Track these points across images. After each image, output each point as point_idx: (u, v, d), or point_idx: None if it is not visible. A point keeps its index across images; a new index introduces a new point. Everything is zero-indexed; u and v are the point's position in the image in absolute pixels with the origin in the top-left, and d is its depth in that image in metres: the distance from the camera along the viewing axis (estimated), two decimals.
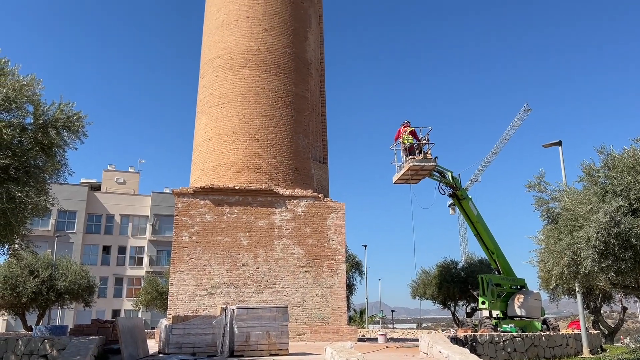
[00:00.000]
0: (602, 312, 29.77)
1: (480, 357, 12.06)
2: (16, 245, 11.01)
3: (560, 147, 19.52)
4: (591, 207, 11.10)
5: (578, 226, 11.34)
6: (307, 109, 22.80)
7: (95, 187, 55.76)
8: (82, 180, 55.35)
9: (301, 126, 22.24)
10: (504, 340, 15.59)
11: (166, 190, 54.43)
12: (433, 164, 20.56)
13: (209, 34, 23.80)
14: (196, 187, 20.27)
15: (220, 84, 22.22)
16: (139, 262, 52.08)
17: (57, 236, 37.45)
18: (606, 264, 11.05)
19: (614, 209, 10.70)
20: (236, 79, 22.00)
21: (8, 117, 9.24)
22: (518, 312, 21.40)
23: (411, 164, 20.34)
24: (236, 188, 20.21)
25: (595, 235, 10.71)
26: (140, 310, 43.01)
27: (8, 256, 14.82)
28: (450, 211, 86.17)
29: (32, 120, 9.68)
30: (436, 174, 21.74)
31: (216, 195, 20.18)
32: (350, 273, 35.72)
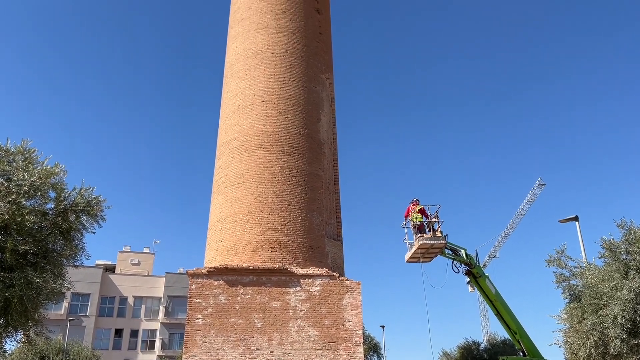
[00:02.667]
0: None
1: None
2: (30, 332, 10.86)
3: (577, 222, 19.30)
4: (615, 284, 10.82)
5: (602, 304, 11.01)
6: (320, 187, 23.07)
7: (110, 269, 55.66)
8: (97, 262, 55.33)
9: (315, 204, 22.40)
10: None
11: (180, 270, 54.18)
12: (443, 241, 20.38)
13: (225, 117, 24.70)
14: (210, 268, 20.17)
15: (236, 164, 22.74)
16: (151, 345, 50.80)
17: (69, 320, 37.01)
18: (635, 343, 10.61)
19: (638, 286, 10.42)
20: (251, 160, 22.52)
21: (30, 203, 9.49)
22: None
23: (421, 242, 20.22)
24: (250, 267, 20.06)
25: (621, 313, 10.37)
26: None
27: (21, 343, 14.56)
28: (469, 289, 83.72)
29: (53, 206, 9.91)
30: (449, 251, 21.48)
31: (230, 275, 20.01)
32: (368, 356, 34.47)
